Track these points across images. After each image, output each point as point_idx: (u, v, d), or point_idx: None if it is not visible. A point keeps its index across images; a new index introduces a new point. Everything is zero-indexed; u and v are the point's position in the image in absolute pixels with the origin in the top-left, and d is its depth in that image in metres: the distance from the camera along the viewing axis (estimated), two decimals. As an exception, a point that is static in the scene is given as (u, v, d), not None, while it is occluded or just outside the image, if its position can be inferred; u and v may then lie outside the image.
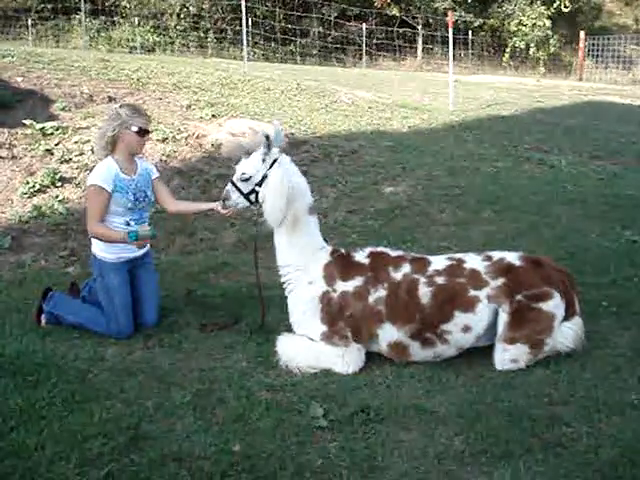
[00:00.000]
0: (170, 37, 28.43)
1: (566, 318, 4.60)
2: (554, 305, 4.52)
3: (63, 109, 9.94)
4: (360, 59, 29.71)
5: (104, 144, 5.06)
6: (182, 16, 29.66)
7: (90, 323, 5.18)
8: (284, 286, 4.83)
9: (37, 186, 7.95)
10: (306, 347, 4.60)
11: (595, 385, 4.21)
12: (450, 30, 15.77)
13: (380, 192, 8.85)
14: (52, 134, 9.05)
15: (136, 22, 28.34)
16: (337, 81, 17.65)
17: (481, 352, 4.62)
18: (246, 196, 4.74)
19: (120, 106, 5.16)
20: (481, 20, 31.93)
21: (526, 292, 4.49)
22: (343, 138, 10.90)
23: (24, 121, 9.05)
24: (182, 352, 4.84)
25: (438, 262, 4.70)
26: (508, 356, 4.48)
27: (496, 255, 4.71)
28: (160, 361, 4.67)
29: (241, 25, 18.15)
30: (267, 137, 4.58)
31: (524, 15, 30.20)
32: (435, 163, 10.07)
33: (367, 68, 27.87)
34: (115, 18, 28.78)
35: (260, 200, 4.69)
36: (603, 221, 7.81)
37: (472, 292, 4.52)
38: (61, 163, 8.48)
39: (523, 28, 30.04)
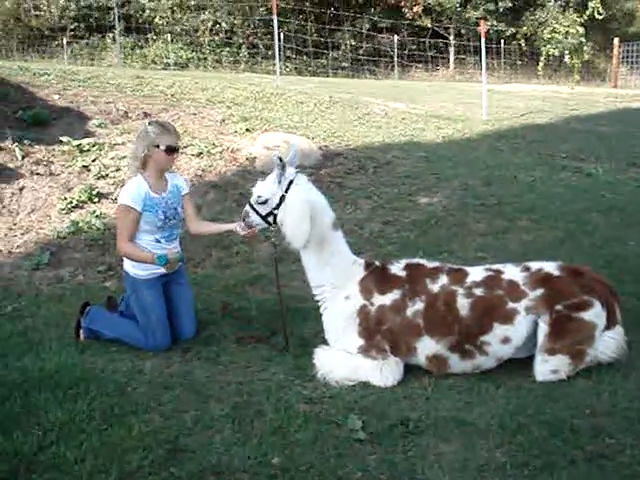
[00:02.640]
0: (203, 53, 28.75)
1: (607, 327, 4.53)
2: (595, 314, 4.45)
3: (99, 126, 10.06)
4: (392, 70, 29.73)
5: (137, 163, 5.11)
6: (214, 32, 29.98)
7: (127, 337, 5.22)
8: (319, 304, 4.81)
9: (74, 202, 8.04)
10: (344, 360, 4.58)
11: (638, 396, 4.13)
12: (482, 40, 15.70)
13: (415, 203, 8.81)
14: (89, 150, 9.16)
15: (169, 39, 28.72)
16: (370, 93, 17.66)
17: (521, 363, 4.56)
18: (264, 218, 4.76)
19: (149, 123, 5.19)
20: (513, 29, 31.78)
21: (566, 302, 4.42)
22: (377, 149, 10.88)
23: (61, 138, 9.18)
24: (220, 365, 4.85)
25: (476, 273, 4.66)
26: (549, 367, 4.41)
27: (534, 266, 4.65)
28: (198, 374, 4.68)
29: (273, 39, 18.27)
30: (280, 159, 4.57)
31: (557, 23, 29.98)
32: (470, 173, 10.00)
33: (399, 79, 27.87)
34: (148, 35, 29.19)
35: (279, 222, 4.69)
36: (642, 229, 7.69)
37: (510, 304, 4.46)
38: (98, 179, 8.57)
39: (556, 36, 29.82)
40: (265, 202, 4.70)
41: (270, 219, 4.75)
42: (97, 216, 7.81)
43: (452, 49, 32.40)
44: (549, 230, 7.76)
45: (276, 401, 4.21)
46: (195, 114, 11.37)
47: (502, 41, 31.09)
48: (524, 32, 31.42)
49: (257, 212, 4.76)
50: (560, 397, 4.17)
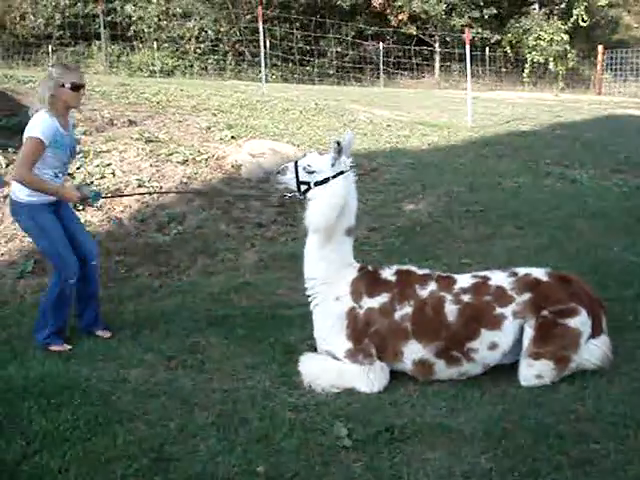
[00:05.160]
0: (189, 61, 28.74)
1: (593, 336, 4.56)
2: (580, 322, 4.47)
3: (84, 133, 10.03)
4: (378, 78, 29.79)
5: (47, 105, 5.13)
6: (201, 39, 29.97)
7: (49, 301, 5.29)
8: (309, 299, 4.82)
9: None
10: (330, 366, 4.59)
11: (622, 401, 4.15)
12: (467, 47, 15.78)
13: (401, 210, 8.83)
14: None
15: (155, 46, 28.68)
16: (355, 100, 17.71)
17: (506, 369, 4.57)
18: (299, 183, 4.69)
19: (52, 66, 5.37)
20: (498, 36, 31.96)
21: (552, 307, 4.45)
22: (362, 156, 10.88)
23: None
24: (204, 373, 4.83)
25: (464, 280, 4.68)
26: (533, 372, 4.43)
27: (522, 271, 4.69)
28: (183, 382, 4.66)
29: (259, 47, 18.28)
30: (338, 143, 4.56)
31: (542, 30, 30.21)
32: (455, 180, 10.04)
33: (385, 87, 27.94)
34: (134, 43, 29.15)
35: (309, 196, 4.67)
36: (626, 235, 7.73)
37: (498, 309, 4.48)
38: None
39: (541, 43, 30.04)
40: (311, 173, 4.65)
41: (303, 188, 4.70)
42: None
43: (437, 56, 32.51)
44: (534, 236, 7.79)
45: (261, 409, 4.20)
46: (180, 121, 11.36)
47: (487, 48, 31.24)
48: (509, 39, 31.66)
49: (297, 175, 4.69)
50: (545, 403, 4.19)
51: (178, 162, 9.32)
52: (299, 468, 3.55)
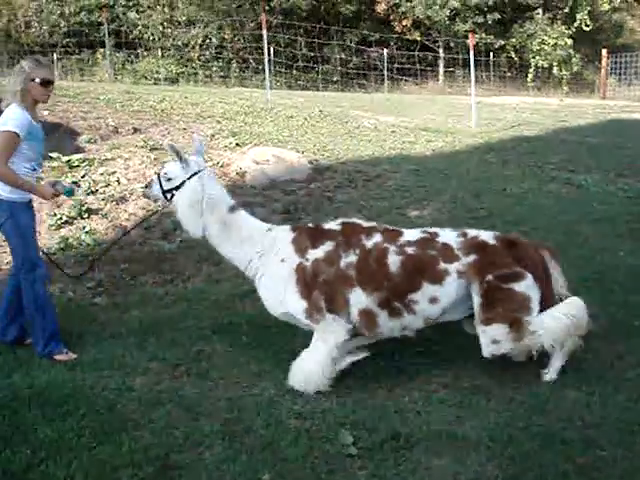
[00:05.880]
0: (193, 68, 28.75)
1: (547, 301, 4.55)
2: (526, 286, 4.48)
3: (89, 141, 10.06)
4: (382, 84, 29.80)
5: (14, 97, 5.16)
6: (205, 47, 30.03)
7: (30, 306, 5.27)
8: (253, 278, 4.95)
9: (64, 218, 8.02)
10: (305, 363, 4.65)
11: (629, 407, 4.14)
12: (471, 52, 15.78)
13: (405, 216, 8.82)
14: (78, 166, 9.15)
15: (160, 54, 28.76)
16: (359, 107, 17.72)
17: (512, 375, 4.57)
18: (163, 192, 4.97)
19: (24, 59, 5.36)
20: (502, 41, 31.95)
21: (497, 272, 4.46)
22: (367, 163, 10.90)
23: (51, 154, 9.15)
24: (209, 381, 4.84)
25: (411, 234, 4.75)
26: (488, 337, 4.46)
27: (472, 233, 4.73)
28: (188, 390, 4.67)
29: (263, 54, 18.31)
30: (172, 148, 4.88)
31: (546, 34, 30.21)
32: (460, 185, 10.02)
33: (389, 93, 27.94)
34: (139, 51, 29.21)
35: (174, 202, 4.95)
36: (632, 239, 7.71)
37: (442, 265, 4.54)
38: (87, 195, 8.56)
39: (545, 47, 30.04)
40: (169, 180, 4.92)
41: (168, 195, 4.96)
42: (87, 232, 7.79)
43: (441, 62, 32.51)
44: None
45: (267, 417, 4.21)
46: (185, 129, 11.39)
47: (491, 53, 31.25)
48: (513, 44, 31.66)
49: (160, 185, 4.96)
50: (551, 409, 4.18)
51: (183, 169, 9.32)
52: (304, 476, 3.55)
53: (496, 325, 4.42)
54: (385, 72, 29.83)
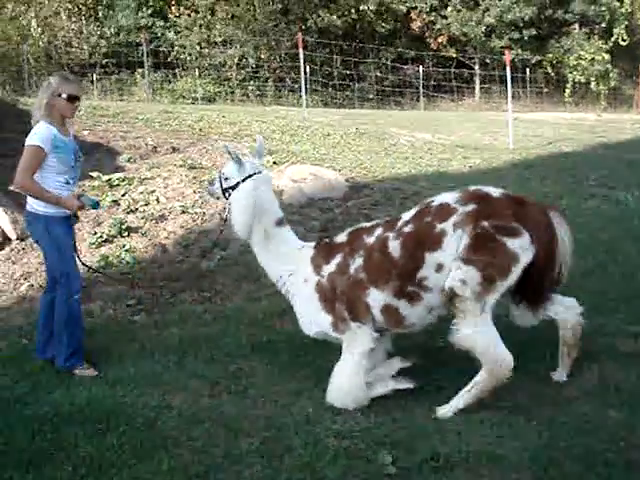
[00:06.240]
0: (230, 87, 29.06)
1: (549, 264, 4.41)
2: (519, 245, 4.25)
3: (129, 160, 10.21)
4: (418, 101, 29.84)
5: (41, 112, 5.27)
6: (241, 66, 30.34)
7: (60, 320, 5.35)
8: (287, 297, 5.05)
9: (104, 236, 8.14)
10: (337, 379, 4.69)
11: (673, 428, 4.05)
12: (508, 68, 15.73)
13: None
14: (118, 185, 9.29)
15: (197, 74, 29.12)
16: (395, 124, 17.74)
17: (552, 394, 4.51)
18: (222, 190, 5.07)
19: (52, 75, 5.48)
20: (539, 57, 31.79)
21: (493, 221, 4.26)
22: (404, 180, 10.89)
23: (91, 173, 9.32)
24: (248, 399, 4.85)
25: (408, 213, 4.69)
26: (460, 275, 4.26)
27: (476, 187, 4.61)
28: (227, 408, 4.67)
29: (299, 72, 18.45)
30: (228, 150, 4.99)
31: (583, 49, 30.02)
32: (497, 202, 9.94)
33: (425, 110, 27.95)
34: (177, 70, 29.61)
35: (229, 201, 5.03)
36: (675, 257, 7.57)
37: (438, 226, 4.39)
38: (127, 213, 8.67)
39: (582, 62, 29.84)
40: (226, 179, 5.03)
41: (226, 194, 5.06)
42: (127, 250, 7.89)
43: (477, 78, 32.46)
44: (578, 259, 7.62)
45: (306, 436, 4.19)
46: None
47: (527, 69, 31.11)
48: (549, 59, 31.49)
49: (221, 183, 5.07)
50: (593, 430, 4.11)
51: (221, 188, 9.40)
52: (344, 496, 3.53)
53: (472, 268, 4.22)
54: (421, 89, 29.87)
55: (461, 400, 4.42)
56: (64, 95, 5.26)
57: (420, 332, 5.12)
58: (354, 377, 4.61)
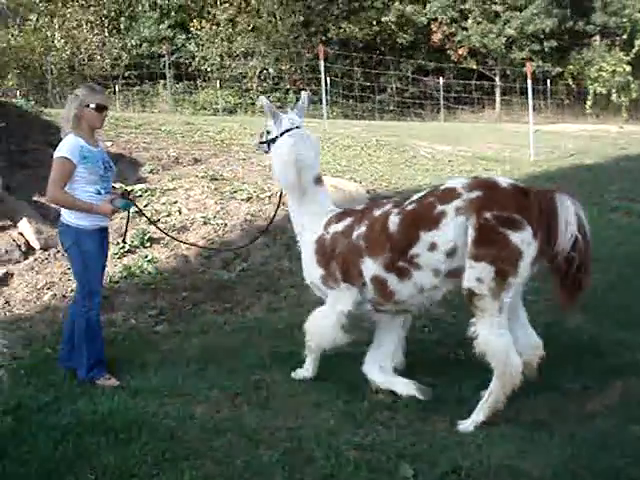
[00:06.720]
0: (251, 98, 29.22)
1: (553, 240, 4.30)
2: (521, 239, 4.20)
3: (151, 172, 10.28)
4: (438, 113, 29.82)
5: (69, 124, 5.34)
6: (262, 78, 30.53)
7: (80, 332, 5.37)
8: (298, 244, 5.36)
9: (127, 247, 8.19)
10: (315, 322, 5.14)
11: (698, 444, 4.02)
12: (529, 80, 15.70)
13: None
14: (141, 196, 9.35)
15: (218, 85, 29.33)
16: (416, 135, 17.73)
17: (574, 409, 4.48)
18: (265, 143, 5.33)
19: (78, 87, 5.60)
20: (560, 68, 31.71)
21: (496, 212, 4.22)
22: (424, 192, 10.86)
23: (114, 184, 9.37)
24: (269, 410, 4.85)
25: (419, 194, 4.74)
26: (475, 273, 4.26)
27: (487, 176, 4.64)
28: (248, 419, 4.68)
29: (320, 84, 18.52)
30: (268, 109, 5.16)
31: (604, 61, 29.90)
32: (518, 215, 9.91)
33: (445, 122, 27.93)
34: (198, 82, 29.85)
35: (271, 153, 5.27)
36: (698, 270, 7.52)
37: (439, 207, 4.40)
38: (150, 224, 8.72)
39: (603, 74, 29.72)
40: (268, 133, 5.28)
41: (269, 147, 5.30)
42: (149, 261, 7.94)
43: (498, 90, 32.41)
44: (600, 273, 7.59)
45: (327, 447, 4.19)
46: (244, 159, 11.55)
47: (548, 81, 31.03)
48: (570, 71, 31.40)
49: (263, 137, 5.35)
50: (615, 445, 4.08)
51: (242, 199, 9.47)
52: (365, 508, 3.53)
53: (485, 264, 4.21)
54: (441, 101, 29.86)
55: (481, 413, 4.41)
56: (92, 105, 5.33)
57: (439, 345, 5.12)
58: (332, 328, 4.96)
